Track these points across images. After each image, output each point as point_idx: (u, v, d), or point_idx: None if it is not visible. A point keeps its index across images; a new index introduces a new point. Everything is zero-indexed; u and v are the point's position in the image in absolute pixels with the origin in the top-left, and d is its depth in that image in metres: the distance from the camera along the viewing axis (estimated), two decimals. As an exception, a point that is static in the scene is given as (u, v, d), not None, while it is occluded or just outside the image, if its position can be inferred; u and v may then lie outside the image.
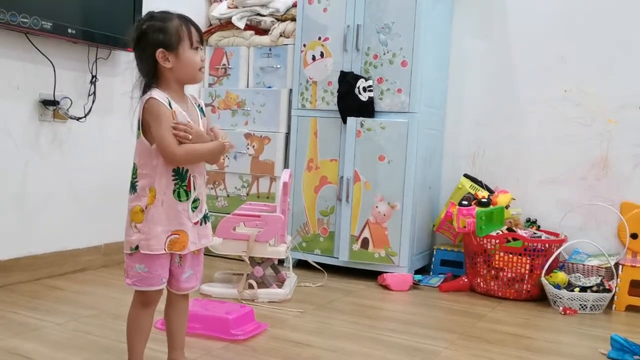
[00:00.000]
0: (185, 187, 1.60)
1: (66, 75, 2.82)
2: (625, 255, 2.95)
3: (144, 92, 1.58)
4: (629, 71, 3.01)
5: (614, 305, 2.78)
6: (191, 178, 1.61)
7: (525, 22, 3.25)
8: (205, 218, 1.68)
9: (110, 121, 3.06)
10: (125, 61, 3.04)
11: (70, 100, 2.82)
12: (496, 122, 3.34)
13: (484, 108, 3.37)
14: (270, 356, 1.97)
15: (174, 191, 1.58)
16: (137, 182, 1.59)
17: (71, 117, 2.82)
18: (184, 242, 1.60)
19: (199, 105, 1.70)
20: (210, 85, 3.61)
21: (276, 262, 2.89)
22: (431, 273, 3.29)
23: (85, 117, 2.87)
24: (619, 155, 3.05)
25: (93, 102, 2.91)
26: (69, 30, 2.69)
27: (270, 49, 3.43)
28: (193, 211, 1.62)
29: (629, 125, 3.03)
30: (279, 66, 3.40)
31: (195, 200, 1.62)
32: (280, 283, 2.77)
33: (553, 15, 3.19)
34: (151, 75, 1.58)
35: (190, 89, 1.76)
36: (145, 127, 1.57)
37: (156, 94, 1.56)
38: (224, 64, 3.55)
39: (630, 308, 2.77)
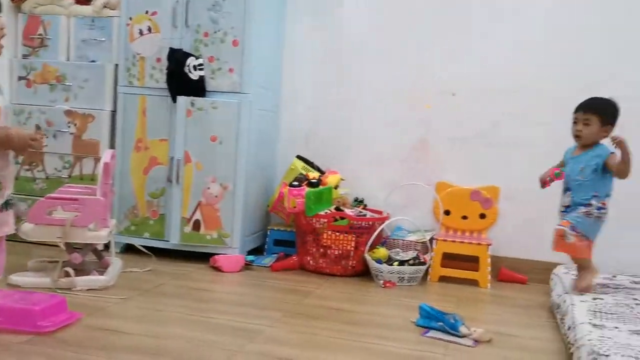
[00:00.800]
0: None
1: None
2: (440, 230, 3.21)
3: None
4: (445, 60, 3.25)
5: (429, 277, 3.02)
6: None
7: (358, 7, 3.37)
8: (7, 204, 1.52)
9: None
10: None
11: None
12: (329, 104, 3.44)
13: (317, 90, 3.45)
14: (82, 347, 1.85)
15: None
16: None
17: None
18: None
19: None
20: (24, 56, 3.28)
21: (101, 248, 2.73)
22: (265, 253, 3.32)
23: None
24: (436, 139, 3.29)
25: None
26: None
27: (93, 20, 3.20)
28: None
29: (444, 110, 3.27)
30: (103, 39, 3.19)
31: None
32: (104, 269, 2.63)
33: (384, 5, 3.33)
34: None
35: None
36: None
37: None
38: (40, 34, 3.24)
39: (443, 279, 3.03)
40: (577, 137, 2.45)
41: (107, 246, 2.81)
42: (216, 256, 2.98)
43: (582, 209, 2.40)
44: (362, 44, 3.37)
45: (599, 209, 2.40)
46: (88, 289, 2.44)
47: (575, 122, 2.45)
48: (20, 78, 3.23)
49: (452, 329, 2.13)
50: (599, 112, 2.40)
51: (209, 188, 3.03)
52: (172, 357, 1.82)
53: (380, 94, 3.35)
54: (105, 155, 2.60)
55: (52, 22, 3.22)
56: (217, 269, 2.95)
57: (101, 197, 2.51)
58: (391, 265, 2.89)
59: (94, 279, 2.48)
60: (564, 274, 2.71)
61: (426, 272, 3.00)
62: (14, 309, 1.93)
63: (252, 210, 3.21)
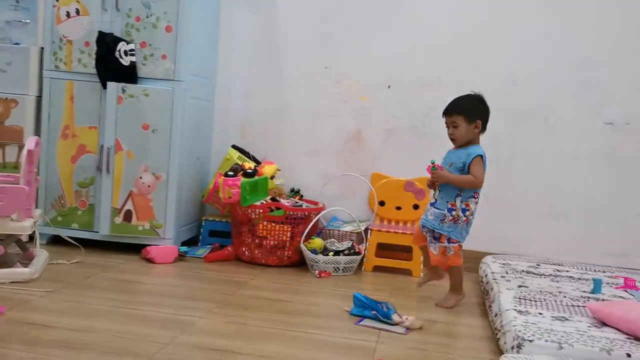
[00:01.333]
0: None
1: None
2: (374, 220, 3.25)
3: None
4: (382, 53, 3.28)
5: (364, 267, 3.05)
6: None
7: (291, -2, 3.35)
8: None
9: None
10: None
11: None
12: (264, 94, 3.41)
13: (253, 80, 3.42)
14: (4, 341, 1.77)
15: None
16: None
17: None
18: None
19: None
20: (-60, 36, 3.08)
21: (25, 239, 2.62)
22: (200, 244, 3.27)
23: None
24: (370, 131, 3.33)
25: None
26: None
27: (17, 1, 3.04)
28: None
29: (379, 103, 3.31)
30: (28, 21, 3.03)
31: None
32: (28, 261, 2.51)
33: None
34: None
35: None
36: None
37: None
38: (-42, 13, 3.05)
39: (377, 268, 3.07)
40: (452, 140, 2.45)
41: (31, 237, 2.69)
42: (148, 247, 2.91)
43: (449, 216, 2.40)
44: (298, 32, 3.35)
45: (463, 210, 2.40)
46: (11, 282, 2.33)
47: (447, 127, 2.45)
48: None
49: (385, 318, 2.16)
50: (461, 111, 2.40)
51: (141, 178, 2.95)
52: (99, 351, 1.77)
53: (317, 84, 3.35)
54: (29, 142, 2.48)
55: (-29, 1, 3.04)
56: (149, 260, 2.88)
57: (25, 186, 2.39)
58: (326, 255, 2.91)
59: (17, 272, 2.37)
60: (492, 262, 2.81)
61: (361, 262, 3.04)
62: None
63: (186, 201, 3.15)
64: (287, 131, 3.40)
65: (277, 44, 3.38)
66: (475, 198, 2.44)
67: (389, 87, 3.29)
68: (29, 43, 3.03)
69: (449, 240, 2.42)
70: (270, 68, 3.39)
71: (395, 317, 2.15)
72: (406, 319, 2.14)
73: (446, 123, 2.45)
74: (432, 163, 2.43)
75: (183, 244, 3.14)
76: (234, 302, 2.36)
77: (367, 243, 3.05)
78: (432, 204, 2.48)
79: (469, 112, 2.41)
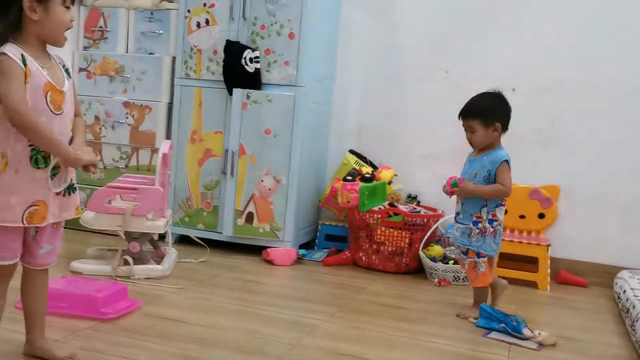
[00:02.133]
0: (42, 153, 1.45)
1: None
2: (496, 229, 3.12)
3: None
4: (505, 54, 3.16)
5: (484, 277, 2.94)
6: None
7: (412, 1, 3.31)
8: (70, 189, 1.54)
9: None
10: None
11: None
12: (382, 98, 3.39)
13: (371, 84, 3.41)
14: (142, 334, 1.87)
15: (31, 157, 1.44)
16: None
17: None
18: (43, 213, 1.47)
19: (64, 66, 1.54)
20: (85, 48, 3.35)
21: (156, 238, 2.77)
22: (316, 248, 3.30)
23: None
24: (493, 135, 3.20)
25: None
26: None
27: (152, 13, 3.24)
28: (52, 179, 1.48)
29: (503, 106, 3.17)
30: (161, 32, 3.22)
31: (55, 167, 1.48)
32: (159, 259, 2.66)
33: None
34: (11, 25, 1.41)
35: (62, 51, 1.59)
36: None
37: (9, 49, 1.39)
38: (100, 26, 3.30)
39: (499, 279, 2.94)
40: (471, 144, 2.30)
41: (161, 236, 2.85)
42: (268, 249, 2.98)
43: (475, 229, 2.24)
44: (418, 36, 3.30)
45: (490, 221, 2.24)
46: (146, 278, 2.47)
47: (464, 130, 2.30)
48: (81, 69, 3.30)
49: (514, 331, 2.06)
50: (477, 115, 2.23)
51: (262, 181, 3.03)
52: (230, 348, 1.82)
53: (437, 88, 3.28)
54: (164, 145, 2.63)
55: (112, 15, 3.28)
56: (269, 262, 2.95)
57: (160, 187, 2.54)
58: (447, 263, 2.83)
59: (151, 268, 2.51)
60: (630, 277, 2.60)
61: (482, 272, 2.92)
62: (78, 295, 1.97)
63: (305, 205, 3.19)
64: (405, 136, 3.36)
65: (396, 48, 3.35)
66: (503, 206, 2.27)
67: (513, 90, 3.15)
68: (162, 53, 3.22)
69: (478, 255, 2.25)
70: (388, 72, 3.37)
71: (526, 332, 2.04)
72: (538, 334, 2.02)
73: (463, 126, 2.29)
74: (454, 184, 2.26)
75: (300, 247, 3.19)
76: (354, 307, 2.36)
77: (489, 252, 2.93)
78: (455, 219, 2.33)
79: (485, 115, 2.23)
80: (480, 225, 2.25)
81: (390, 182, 3.12)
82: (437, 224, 2.95)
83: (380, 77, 3.39)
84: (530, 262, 2.92)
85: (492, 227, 2.25)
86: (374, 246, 2.95)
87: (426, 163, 3.30)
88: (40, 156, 1.45)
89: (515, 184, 3.09)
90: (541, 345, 2.01)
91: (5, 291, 1.51)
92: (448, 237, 3.12)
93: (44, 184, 1.46)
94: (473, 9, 3.20)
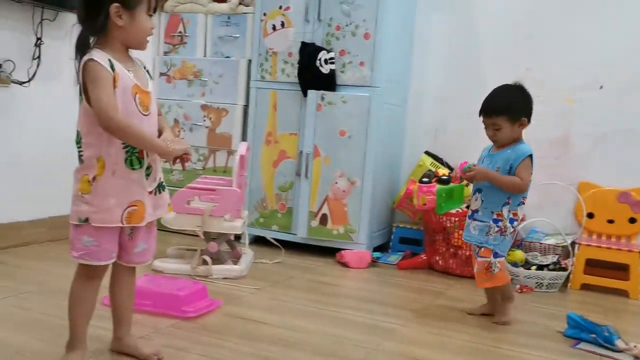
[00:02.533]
0: (137, 154, 1.48)
1: (8, 37, 2.64)
2: (582, 234, 2.97)
3: (82, 50, 1.43)
4: (591, 50, 3.00)
5: (570, 284, 2.80)
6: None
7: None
8: (160, 187, 1.57)
9: (57, 87, 2.88)
10: (74, 24, 2.86)
11: (13, 63, 2.64)
12: (458, 98, 3.30)
13: (447, 84, 3.33)
14: (222, 334, 1.89)
15: (126, 160, 1.47)
16: (82, 152, 1.47)
17: (14, 82, 2.64)
18: (141, 213, 1.50)
19: (144, 67, 1.58)
20: (165, 53, 3.45)
21: (232, 238, 2.80)
22: (390, 250, 3.26)
23: (29, 81, 2.70)
24: (578, 135, 3.05)
25: (38, 66, 2.73)
26: (11, -12, 2.50)
27: (229, 17, 3.29)
28: (147, 179, 1.51)
29: (589, 105, 3.03)
30: (238, 35, 3.27)
31: (148, 167, 1.51)
32: (236, 259, 2.69)
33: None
34: (98, 31, 1.45)
35: (143, 56, 1.63)
36: (86, 91, 1.44)
37: (96, 54, 1.42)
38: (180, 32, 3.39)
39: (585, 287, 2.80)
40: (494, 141, 2.16)
41: (236, 237, 2.88)
42: (343, 251, 2.96)
43: (495, 227, 2.09)
44: (496, 33, 3.20)
45: (511, 221, 2.11)
46: (223, 278, 2.50)
47: (485, 127, 2.14)
48: (161, 74, 3.40)
49: (606, 343, 1.94)
50: (504, 111, 2.08)
51: (336, 183, 3.02)
52: (311, 351, 1.81)
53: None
54: (241, 147, 2.66)
55: (191, 20, 3.36)
56: (343, 264, 2.93)
57: (237, 189, 2.57)
58: (529, 269, 2.72)
59: (229, 269, 2.54)
60: None
61: (567, 279, 2.79)
62: (161, 293, 2.01)
63: (379, 207, 3.15)
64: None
65: (473, 47, 3.26)
66: (524, 204, 2.13)
67: (600, 87, 3.00)
68: (238, 56, 3.27)
69: (495, 255, 2.11)
70: (465, 72, 3.28)
71: (619, 343, 1.92)
72: (635, 346, 1.90)
73: (484, 123, 2.14)
74: (467, 169, 2.12)
75: (374, 249, 3.15)
76: (432, 312, 2.30)
77: (574, 258, 2.79)
78: (471, 216, 2.18)
79: (513, 111, 2.08)
80: (500, 223, 2.11)
81: (467, 184, 3.03)
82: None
83: (457, 76, 3.30)
84: (621, 270, 2.76)
85: (512, 226, 2.12)
86: (451, 250, 2.87)
87: (505, 165, 3.18)
88: (134, 157, 1.48)
89: (601, 187, 2.95)
90: (637, 358, 1.88)
91: (96, 291, 1.55)
92: (529, 242, 3.00)
93: (140, 184, 1.50)
94: (555, 4, 3.07)
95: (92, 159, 1.45)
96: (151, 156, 1.51)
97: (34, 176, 2.84)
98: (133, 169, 1.48)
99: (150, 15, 1.50)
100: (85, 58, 1.42)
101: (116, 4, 1.42)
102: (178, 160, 1.53)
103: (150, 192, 1.53)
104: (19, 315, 1.92)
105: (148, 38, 1.52)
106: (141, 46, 1.52)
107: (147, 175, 1.52)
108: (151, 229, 1.60)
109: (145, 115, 1.50)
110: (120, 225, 1.48)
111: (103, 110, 1.40)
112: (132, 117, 1.45)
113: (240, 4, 3.27)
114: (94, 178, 1.45)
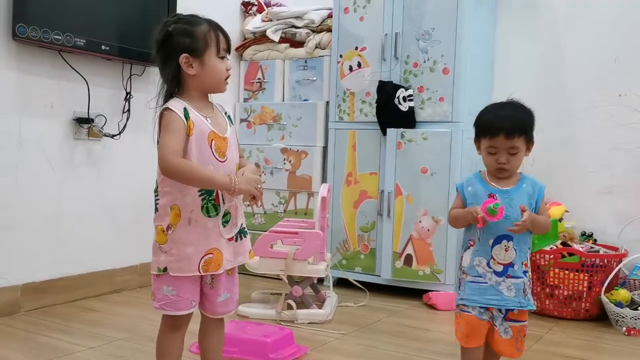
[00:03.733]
0: (213, 201, 1.48)
1: (100, 93, 2.78)
2: (694, 270, 2.72)
3: (165, 101, 1.48)
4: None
5: (684, 325, 2.55)
6: (219, 191, 1.48)
7: (575, 22, 3.08)
8: (241, 233, 1.56)
9: (145, 138, 2.96)
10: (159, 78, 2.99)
11: (105, 117, 2.78)
12: (546, 129, 3.13)
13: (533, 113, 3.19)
14: (313, 382, 1.84)
15: (202, 207, 1.47)
16: (158, 200, 1.49)
17: (106, 135, 2.78)
18: (219, 260, 1.49)
19: (226, 112, 1.59)
20: (245, 100, 3.54)
21: (315, 281, 2.77)
22: (479, 291, 3.10)
23: (119, 134, 2.83)
24: (680, 163, 2.83)
25: (127, 119, 2.87)
26: (103, 47, 2.66)
27: (305, 61, 3.34)
28: (224, 226, 1.50)
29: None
30: (315, 78, 3.31)
31: (225, 214, 1.51)
32: (320, 303, 2.65)
33: (604, 14, 3.00)
34: (173, 82, 1.48)
35: (224, 102, 1.66)
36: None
37: (173, 103, 1.45)
38: (259, 78, 3.47)
39: (703, 328, 2.54)
40: (502, 170, 1.71)
41: (319, 280, 2.84)
42: (430, 293, 2.86)
43: (528, 282, 1.68)
44: (584, 58, 3.05)
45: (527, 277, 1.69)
46: (309, 322, 2.46)
47: (494, 153, 1.71)
48: (242, 120, 3.48)
49: None
50: (525, 131, 1.69)
51: (420, 222, 2.93)
52: (403, 401, 1.72)
53: (610, 115, 2.98)
54: (323, 189, 2.65)
55: (269, 67, 3.43)
56: (430, 306, 2.82)
57: (319, 231, 2.54)
58: (635, 309, 2.50)
59: (314, 313, 2.50)
60: None
61: (680, 320, 2.54)
62: (248, 340, 2.00)
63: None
64: (573, 168, 3.08)
65: (559, 73, 3.12)
66: None
67: (703, 110, 2.78)
68: (316, 98, 3.30)
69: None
70: (552, 100, 3.13)
71: None
72: None
73: (494, 147, 1.70)
74: (492, 211, 1.60)
75: (463, 290, 3.01)
76: (531, 357, 2.14)
77: (688, 297, 2.55)
78: (503, 273, 1.65)
79: (530, 131, 1.71)
80: (528, 274, 1.69)
81: (561, 220, 2.86)
82: (622, 264, 2.64)
83: (544, 104, 3.14)
84: None
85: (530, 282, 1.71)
86: (547, 290, 2.70)
87: (601, 198, 3.00)
88: (210, 205, 1.48)
89: None
90: None
91: (182, 340, 1.55)
92: (634, 279, 2.77)
93: (216, 231, 1.48)
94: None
95: (166, 207, 1.47)
96: (228, 202, 1.50)
97: (124, 224, 2.95)
98: (209, 216, 1.47)
99: (222, 58, 1.50)
100: (162, 107, 1.45)
101: (185, 55, 1.45)
102: (250, 198, 1.49)
103: (231, 239, 1.52)
104: (112, 363, 1.95)
105: (227, 80, 1.52)
106: (219, 89, 1.52)
107: (226, 222, 1.50)
108: (233, 276, 1.58)
109: (222, 162, 1.49)
110: (198, 274, 1.47)
111: (163, 154, 1.41)
112: (207, 164, 1.45)
113: (316, 47, 3.32)
114: (168, 227, 1.46)
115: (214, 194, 1.48)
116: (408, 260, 2.96)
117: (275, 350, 1.97)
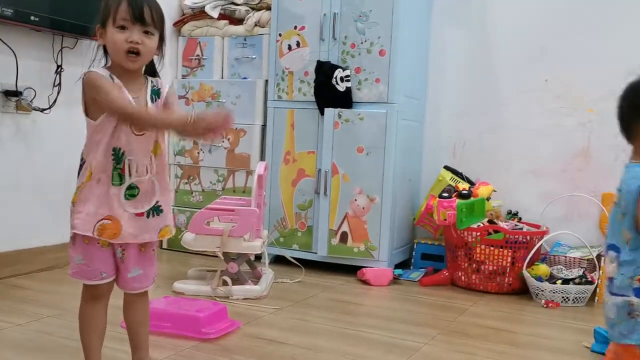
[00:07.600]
0: (119, 170, 1.45)
1: (29, 65, 2.69)
2: (608, 246, 2.91)
3: None
4: (609, 60, 2.96)
5: (597, 298, 2.73)
6: (126, 162, 1.45)
7: (505, 12, 3.19)
8: (154, 210, 1.49)
9: (77, 113, 2.89)
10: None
11: (34, 90, 2.69)
12: (477, 113, 3.28)
13: (465, 99, 3.31)
14: (243, 355, 1.88)
15: (112, 172, 1.45)
16: (81, 164, 1.48)
17: (35, 109, 2.69)
18: (115, 229, 1.44)
19: (154, 86, 1.51)
20: (183, 76, 3.49)
21: (252, 258, 2.80)
22: (412, 267, 3.22)
23: (50, 108, 2.75)
24: (600, 146, 3.00)
25: (58, 93, 2.79)
26: (32, 18, 2.56)
27: (245, 39, 3.33)
28: (127, 199, 1.46)
29: (610, 115, 2.96)
30: (254, 56, 3.30)
31: (132, 188, 1.46)
32: (256, 279, 2.68)
33: (532, 4, 3.13)
34: (101, 52, 1.47)
35: (163, 80, 1.60)
36: (88, 104, 1.44)
37: (96, 69, 1.43)
38: (197, 55, 3.43)
39: (613, 300, 2.73)
40: None
41: (257, 257, 2.88)
42: (364, 269, 2.94)
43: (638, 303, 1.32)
44: (513, 45, 3.17)
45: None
46: (244, 298, 2.49)
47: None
48: (180, 97, 3.44)
49: (636, 358, 1.87)
50: None
51: (356, 200, 3.00)
52: (331, 370, 1.79)
53: (536, 100, 3.13)
54: (259, 167, 2.67)
55: (208, 43, 3.40)
56: (364, 282, 2.90)
57: (256, 209, 2.57)
58: (554, 283, 2.66)
59: (249, 289, 2.53)
60: None
61: (594, 293, 2.72)
62: (181, 315, 2.01)
63: (399, 223, 3.12)
64: (501, 150, 3.22)
65: (490, 61, 3.24)
66: None
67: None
68: (255, 77, 3.29)
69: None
70: (483, 85, 3.26)
71: (650, 359, 1.85)
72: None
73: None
74: None
75: (396, 266, 3.12)
76: (456, 329, 2.26)
77: (601, 271, 2.73)
78: (608, 288, 1.38)
79: None
80: (633, 298, 1.33)
81: (488, 199, 3.00)
82: (542, 241, 2.79)
83: (475, 90, 3.28)
84: (649, 282, 2.69)
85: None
86: (474, 265, 2.83)
87: (527, 178, 3.15)
88: (116, 173, 1.45)
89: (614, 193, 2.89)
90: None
91: (103, 312, 1.54)
92: (554, 255, 2.94)
93: (117, 200, 1.44)
94: (572, 14, 3.04)
95: (86, 168, 1.46)
96: (136, 177, 1.46)
97: (56, 201, 2.88)
98: (112, 184, 1.45)
99: (122, 27, 1.40)
100: (84, 72, 1.42)
101: (98, 25, 1.44)
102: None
103: (140, 215, 1.48)
104: (41, 340, 1.93)
105: (135, 53, 1.41)
106: (122, 62, 1.43)
107: (131, 195, 1.46)
108: (146, 253, 1.54)
109: (138, 135, 1.46)
110: (91, 235, 1.44)
111: (114, 106, 1.39)
112: (120, 133, 1.44)
113: (255, 25, 3.31)
114: (81, 185, 1.45)
115: (122, 164, 1.45)
116: (343, 237, 3.03)
117: (208, 324, 2.00)
